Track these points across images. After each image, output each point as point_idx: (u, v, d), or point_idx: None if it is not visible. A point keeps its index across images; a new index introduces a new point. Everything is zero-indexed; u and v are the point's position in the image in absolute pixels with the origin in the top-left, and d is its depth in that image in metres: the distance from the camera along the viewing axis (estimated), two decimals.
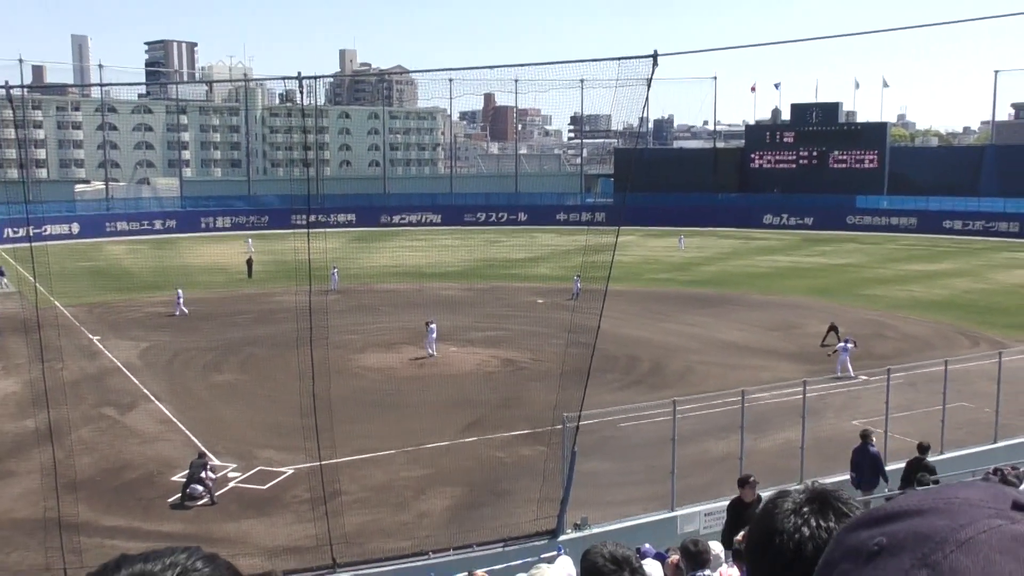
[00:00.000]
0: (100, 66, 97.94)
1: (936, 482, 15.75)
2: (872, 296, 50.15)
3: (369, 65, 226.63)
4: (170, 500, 21.67)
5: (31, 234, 44.32)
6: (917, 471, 16.39)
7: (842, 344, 32.80)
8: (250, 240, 75.62)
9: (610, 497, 20.53)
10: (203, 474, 21.70)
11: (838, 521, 1.58)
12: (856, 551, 1.12)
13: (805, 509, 1.61)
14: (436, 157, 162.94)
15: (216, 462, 23.78)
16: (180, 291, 46.71)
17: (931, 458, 18.10)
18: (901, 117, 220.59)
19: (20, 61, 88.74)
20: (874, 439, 18.47)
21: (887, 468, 18.14)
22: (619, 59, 16.11)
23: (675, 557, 8.78)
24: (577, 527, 17.26)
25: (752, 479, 14.27)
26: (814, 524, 1.58)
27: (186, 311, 45.43)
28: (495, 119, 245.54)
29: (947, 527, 1.05)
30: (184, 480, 21.84)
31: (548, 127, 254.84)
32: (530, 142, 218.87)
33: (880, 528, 1.12)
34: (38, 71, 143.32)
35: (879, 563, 1.08)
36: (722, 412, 24.61)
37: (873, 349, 35.69)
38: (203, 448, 24.17)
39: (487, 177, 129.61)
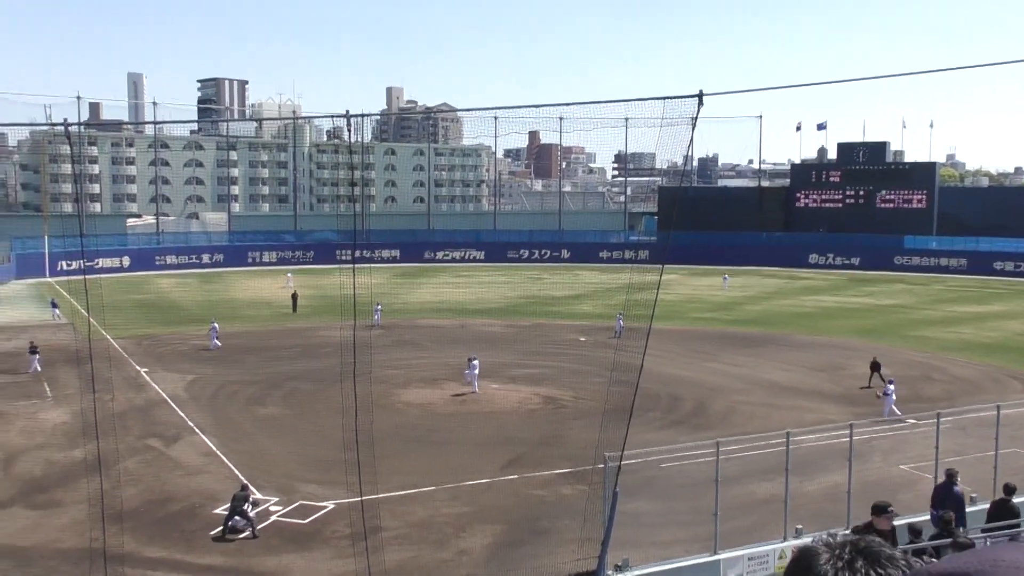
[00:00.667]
0: (154, 103, 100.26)
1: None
2: (920, 338, 49.31)
3: (415, 103, 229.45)
4: (212, 533, 21.79)
5: (84, 267, 45.27)
6: (1004, 514, 15.86)
7: (888, 387, 32.27)
8: (290, 275, 76.50)
9: (652, 538, 20.28)
10: (245, 507, 21.82)
11: (894, 568, 1.55)
12: None
13: (859, 563, 1.57)
14: (480, 194, 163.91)
15: (258, 495, 23.91)
16: (215, 324, 47.07)
17: (982, 506, 17.66)
18: (950, 157, 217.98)
19: (78, 98, 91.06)
20: (959, 479, 17.92)
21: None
22: (664, 99, 16.15)
23: None
24: (618, 568, 17.04)
25: (891, 509, 13.15)
26: (874, 575, 1.55)
27: (219, 344, 45.68)
28: (539, 156, 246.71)
29: None
30: (227, 513, 21.97)
31: (592, 164, 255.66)
32: (574, 179, 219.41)
33: None
34: (94, 107, 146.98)
35: None
36: (766, 454, 24.25)
37: (921, 392, 35.04)
38: (245, 481, 24.33)
39: (531, 214, 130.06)
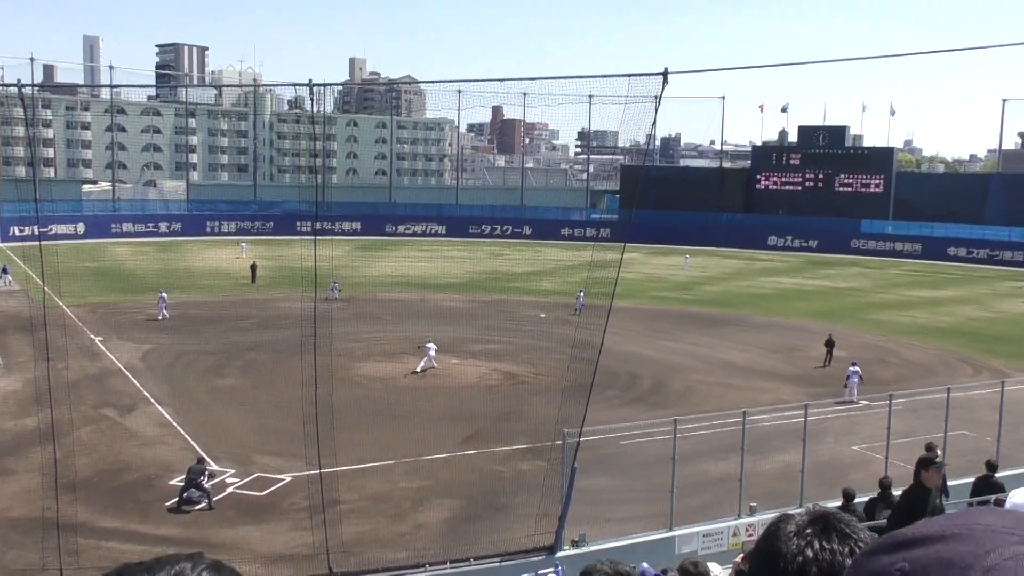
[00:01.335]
0: (111, 67, 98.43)
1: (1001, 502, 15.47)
2: (875, 321, 50.09)
3: (379, 74, 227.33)
4: (168, 504, 21.64)
5: (39, 233, 44.43)
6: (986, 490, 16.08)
7: (853, 369, 32.72)
8: (244, 244, 75.72)
9: (609, 514, 20.48)
10: (201, 479, 21.68)
11: (841, 544, 1.58)
12: None
13: (808, 531, 1.61)
14: (443, 168, 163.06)
15: (215, 467, 23.76)
16: (164, 294, 46.33)
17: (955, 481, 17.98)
18: (908, 143, 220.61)
19: (31, 60, 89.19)
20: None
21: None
22: (629, 76, 16.15)
23: None
24: (575, 544, 17.21)
25: (939, 459, 12.38)
26: (817, 546, 1.58)
27: (167, 315, 44.99)
28: (503, 132, 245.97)
29: (971, 553, 1.04)
30: (182, 484, 21.81)
31: (555, 141, 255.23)
32: (537, 156, 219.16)
33: (901, 554, 1.11)
34: (49, 70, 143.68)
35: None
36: (722, 432, 24.55)
37: (875, 374, 35.62)
38: (202, 453, 24.16)
39: (493, 190, 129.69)
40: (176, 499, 21.57)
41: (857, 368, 32.73)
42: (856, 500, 16.24)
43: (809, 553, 1.57)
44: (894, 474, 20.50)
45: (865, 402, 30.63)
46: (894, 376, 36.09)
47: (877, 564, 1.13)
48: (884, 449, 21.12)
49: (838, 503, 17.57)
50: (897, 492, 16.65)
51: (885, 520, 15.76)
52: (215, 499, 21.71)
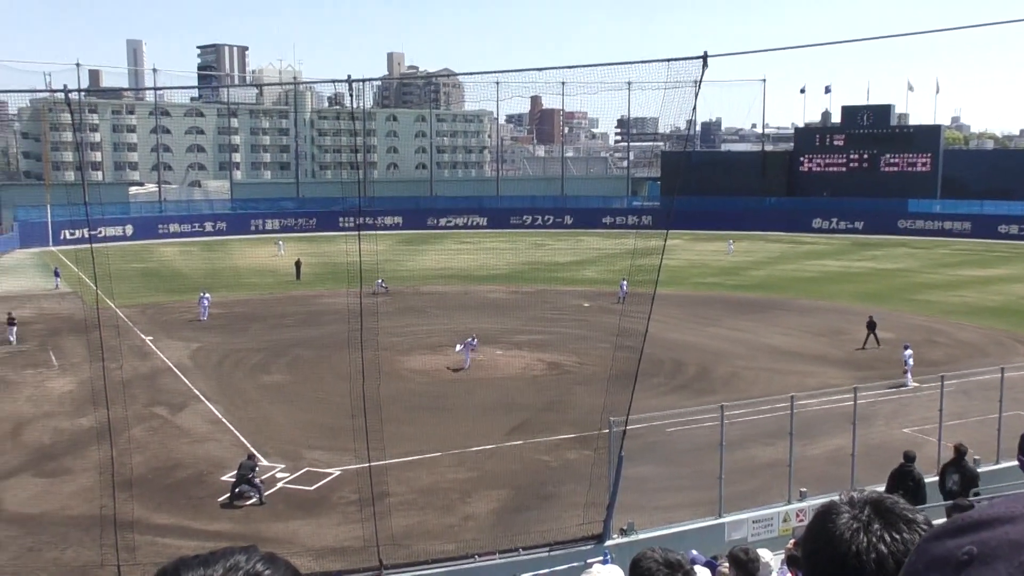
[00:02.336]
0: (154, 70, 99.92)
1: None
2: (924, 302, 49.29)
3: (416, 68, 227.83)
4: (220, 500, 21.97)
5: (89, 236, 45.22)
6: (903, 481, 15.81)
7: (905, 352, 32.18)
8: (281, 243, 76.43)
9: (657, 502, 20.41)
10: (251, 475, 21.98)
11: (910, 531, 1.54)
12: (943, 561, 1.09)
13: (875, 526, 1.55)
14: (483, 160, 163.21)
15: (265, 463, 24.08)
16: (205, 295, 46.16)
17: (986, 468, 17.72)
18: (955, 120, 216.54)
19: (77, 65, 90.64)
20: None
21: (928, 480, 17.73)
22: (668, 60, 16.02)
23: (725, 566, 8.72)
24: (623, 532, 17.19)
25: None
26: (888, 539, 1.53)
27: (206, 317, 44.94)
28: (542, 122, 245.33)
29: None
30: (234, 480, 22.13)
31: (595, 130, 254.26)
32: (577, 145, 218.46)
33: (969, 536, 1.07)
34: (94, 75, 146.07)
35: (970, 572, 1.04)
36: (770, 418, 24.34)
37: (925, 356, 35.06)
38: (252, 449, 24.48)
39: (533, 180, 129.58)
40: (228, 495, 21.89)
41: (910, 351, 32.20)
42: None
43: (883, 548, 1.52)
44: (948, 456, 20.22)
45: (916, 384, 30.18)
46: (944, 357, 35.49)
47: (943, 548, 1.10)
48: (936, 431, 20.77)
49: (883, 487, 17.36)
50: (985, 468, 16.48)
51: (954, 484, 15.65)
52: (266, 494, 22.00)
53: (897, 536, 1.54)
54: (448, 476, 23.59)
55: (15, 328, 40.43)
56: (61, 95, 22.26)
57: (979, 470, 17.66)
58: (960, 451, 16.09)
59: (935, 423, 21.04)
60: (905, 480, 15.84)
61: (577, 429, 25.53)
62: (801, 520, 17.65)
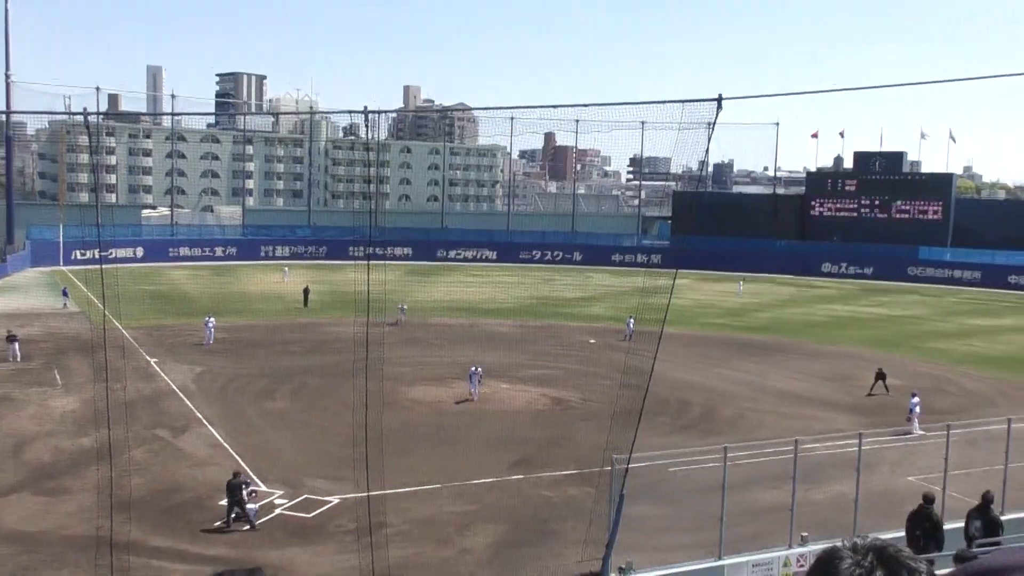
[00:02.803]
0: (172, 96, 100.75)
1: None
2: (933, 350, 49.06)
3: (432, 101, 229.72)
4: (216, 524, 21.85)
5: (100, 256, 45.45)
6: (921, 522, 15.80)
7: (915, 400, 31.95)
8: (286, 269, 76.73)
9: (656, 542, 20.23)
10: (244, 493, 21.90)
11: None
12: None
13: (878, 573, 1.53)
14: (494, 194, 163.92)
15: (263, 488, 23.96)
16: (211, 319, 46.33)
17: (951, 525, 17.56)
18: (967, 169, 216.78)
19: (97, 89, 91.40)
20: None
21: (945, 527, 17.58)
22: (683, 101, 16.11)
23: None
24: (622, 571, 17.02)
25: None
26: None
27: (211, 341, 45.11)
28: (554, 158, 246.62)
29: None
30: (227, 503, 21.94)
31: (607, 168, 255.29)
32: (588, 182, 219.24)
33: None
34: (113, 99, 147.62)
35: None
36: (774, 461, 24.18)
37: (932, 404, 34.83)
38: (238, 469, 24.26)
39: (544, 216, 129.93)
40: (223, 520, 21.75)
41: (917, 399, 31.99)
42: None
43: None
44: (952, 507, 20.05)
45: (922, 432, 29.97)
46: (952, 406, 35.26)
47: None
48: (942, 480, 20.58)
49: (892, 534, 17.20)
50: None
51: (976, 531, 15.53)
52: (263, 520, 21.87)
53: None
54: (447, 508, 23.44)
55: (17, 345, 40.50)
56: (80, 118, 22.49)
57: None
58: (986, 499, 16.02)
59: (940, 472, 20.84)
60: (922, 521, 15.79)
61: (579, 465, 25.37)
62: (802, 566, 17.48)
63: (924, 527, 15.89)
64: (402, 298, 55.69)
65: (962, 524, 16.83)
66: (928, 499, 16.17)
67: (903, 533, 17.81)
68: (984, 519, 15.99)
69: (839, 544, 1.64)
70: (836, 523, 19.57)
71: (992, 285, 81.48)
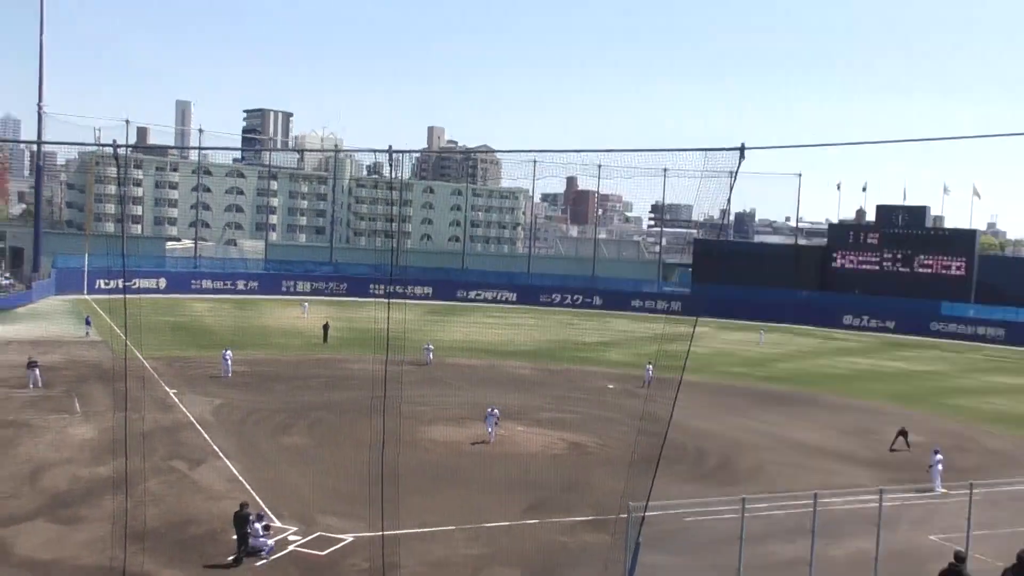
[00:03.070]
0: (200, 130, 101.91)
1: None
2: (955, 406, 48.52)
3: (456, 143, 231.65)
4: (229, 558, 21.75)
5: (124, 287, 45.88)
6: None
7: (935, 456, 31.52)
8: (306, 304, 77.08)
9: None
10: (256, 525, 21.82)
11: None
12: None
13: None
14: (516, 236, 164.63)
15: (277, 524, 23.86)
16: (228, 352, 46.60)
17: None
18: (991, 225, 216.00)
19: (127, 122, 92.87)
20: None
21: None
22: (706, 150, 16.21)
23: None
24: None
25: None
26: None
27: (230, 374, 45.31)
28: (576, 202, 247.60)
29: None
30: (237, 536, 21.81)
31: (628, 213, 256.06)
32: (610, 227, 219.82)
33: None
34: (142, 132, 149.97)
35: None
36: (792, 514, 23.89)
37: (954, 462, 34.34)
38: (261, 502, 24.26)
39: (565, 259, 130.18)
40: (234, 555, 21.63)
41: (940, 456, 31.55)
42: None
43: None
44: (976, 568, 19.68)
45: (944, 490, 29.55)
46: (974, 464, 34.76)
47: None
48: (964, 540, 20.26)
49: None
50: None
51: None
52: (276, 556, 21.74)
53: None
54: (461, 551, 23.24)
55: (37, 371, 40.76)
56: (109, 149, 22.82)
57: None
58: (1021, 558, 15.81)
59: (963, 531, 20.54)
60: None
61: (595, 511, 25.15)
62: None
63: None
64: (422, 337, 55.77)
65: None
66: (959, 558, 16.02)
67: None
68: None
69: None
70: None
71: (1016, 343, 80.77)
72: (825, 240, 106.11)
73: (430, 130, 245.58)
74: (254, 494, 26.79)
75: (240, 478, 28.47)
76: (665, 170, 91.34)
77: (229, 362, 45.88)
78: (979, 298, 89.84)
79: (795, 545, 22.17)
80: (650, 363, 45.58)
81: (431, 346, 52.95)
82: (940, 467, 30.96)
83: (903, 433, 37.18)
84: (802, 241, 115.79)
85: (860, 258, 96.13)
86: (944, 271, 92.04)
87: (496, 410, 35.38)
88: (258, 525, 22.19)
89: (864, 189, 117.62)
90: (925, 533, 25.90)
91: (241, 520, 21.75)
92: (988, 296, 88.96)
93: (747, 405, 45.35)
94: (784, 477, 31.63)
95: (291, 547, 22.85)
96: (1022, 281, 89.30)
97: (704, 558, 22.02)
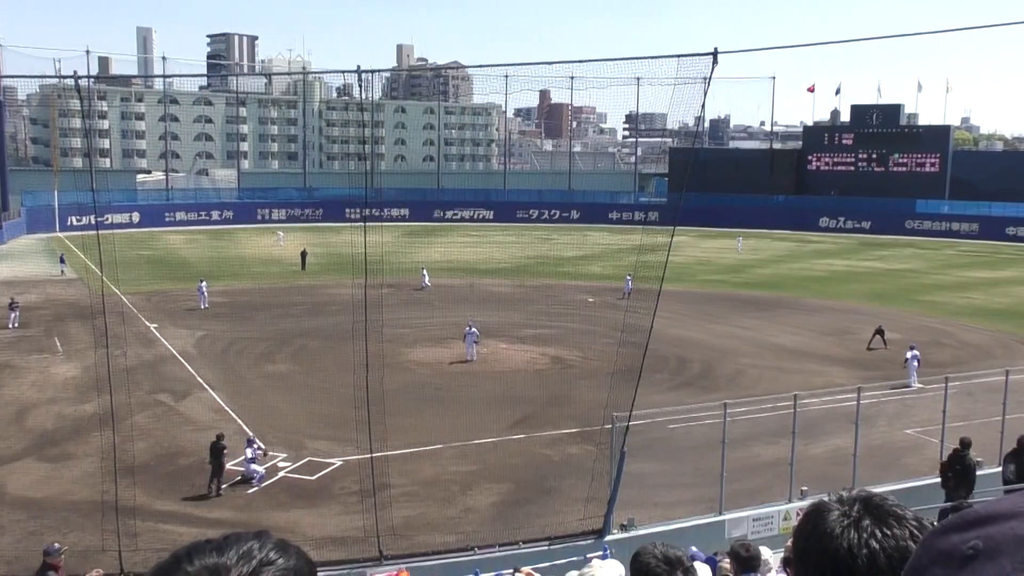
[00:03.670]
0: (163, 58, 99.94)
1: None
2: (930, 303, 49.18)
3: (426, 60, 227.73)
4: (224, 486, 22.00)
5: (96, 222, 45.34)
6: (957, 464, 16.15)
7: (913, 353, 32.05)
8: (281, 233, 76.57)
9: (657, 499, 20.42)
10: (245, 452, 22.12)
11: (900, 527, 1.54)
12: (948, 555, 1.09)
13: (865, 522, 1.56)
14: (490, 153, 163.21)
15: (262, 445, 24.09)
16: (203, 284, 46.42)
17: (989, 470, 17.76)
18: (965, 120, 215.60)
19: (87, 52, 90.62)
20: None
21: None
22: (678, 56, 16.00)
23: (726, 563, 8.70)
24: (623, 528, 17.20)
25: None
26: (879, 535, 1.53)
27: (204, 306, 45.26)
28: (550, 116, 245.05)
29: None
30: (211, 467, 21.97)
31: (603, 125, 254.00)
32: (584, 140, 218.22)
33: (974, 531, 1.08)
34: (104, 62, 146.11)
35: (975, 567, 1.05)
36: (773, 416, 24.35)
37: (930, 357, 34.96)
38: (249, 433, 24.43)
39: (540, 174, 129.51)
40: (210, 487, 21.80)
41: (916, 352, 32.10)
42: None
43: (874, 544, 1.52)
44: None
45: (920, 385, 30.13)
46: (950, 359, 35.42)
47: (948, 543, 1.11)
48: (939, 433, 20.71)
49: (890, 487, 17.38)
50: (989, 470, 16.81)
51: (1011, 475, 15.88)
52: (268, 482, 22.02)
53: (888, 532, 1.54)
54: (450, 468, 23.61)
55: (16, 313, 40.56)
56: (71, 81, 22.31)
57: (985, 471, 17.68)
58: (1022, 443, 16.23)
59: (938, 424, 20.97)
60: (954, 464, 16.18)
61: (580, 424, 25.53)
62: None
63: (955, 469, 16.15)
64: (400, 259, 55.63)
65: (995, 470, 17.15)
66: (964, 444, 16.50)
67: (900, 486, 18.05)
68: (1018, 463, 16.21)
69: (826, 498, 1.67)
70: (835, 477, 19.74)
71: (990, 237, 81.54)
72: (800, 143, 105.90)
73: (399, 48, 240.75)
74: (241, 423, 27.01)
75: (226, 408, 28.67)
76: (638, 79, 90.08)
77: (205, 293, 45.75)
78: (953, 195, 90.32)
79: (777, 446, 22.66)
80: (629, 274, 45.75)
81: (426, 271, 52.89)
82: (916, 363, 31.52)
83: (880, 331, 37.72)
84: (777, 145, 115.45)
85: (835, 160, 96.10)
86: (919, 168, 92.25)
87: (475, 328, 35.54)
88: (249, 451, 22.40)
89: (838, 92, 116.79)
90: (902, 427, 26.52)
91: (217, 451, 21.92)
92: (963, 192, 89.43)
93: (727, 312, 45.79)
94: (765, 381, 32.15)
95: (281, 473, 23.15)
96: (996, 176, 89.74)
97: (688, 463, 22.48)
